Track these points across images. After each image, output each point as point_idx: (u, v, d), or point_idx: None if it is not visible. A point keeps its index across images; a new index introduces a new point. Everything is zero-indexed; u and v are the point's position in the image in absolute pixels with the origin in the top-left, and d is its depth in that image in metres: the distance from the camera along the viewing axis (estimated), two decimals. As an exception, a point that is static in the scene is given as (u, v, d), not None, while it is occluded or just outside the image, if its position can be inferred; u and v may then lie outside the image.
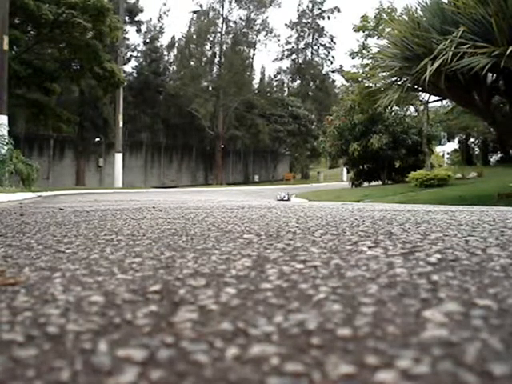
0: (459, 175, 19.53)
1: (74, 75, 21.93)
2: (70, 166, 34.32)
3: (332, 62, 58.07)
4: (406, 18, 10.86)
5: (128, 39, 40.04)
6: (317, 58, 58.30)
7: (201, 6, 47.32)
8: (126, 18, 35.89)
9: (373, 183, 23.27)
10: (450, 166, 27.82)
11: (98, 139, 35.49)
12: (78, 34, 18.50)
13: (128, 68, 40.67)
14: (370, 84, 17.04)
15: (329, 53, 58.00)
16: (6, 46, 13.34)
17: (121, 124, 29.62)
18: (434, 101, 15.09)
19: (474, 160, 34.16)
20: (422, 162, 20.71)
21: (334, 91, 57.47)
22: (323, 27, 57.64)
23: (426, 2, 10.50)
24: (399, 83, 11.23)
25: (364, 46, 20.41)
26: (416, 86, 11.27)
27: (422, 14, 10.59)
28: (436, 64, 9.52)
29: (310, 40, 57.90)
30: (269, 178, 48.31)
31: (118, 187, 28.31)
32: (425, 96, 16.41)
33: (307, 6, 57.56)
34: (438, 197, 13.64)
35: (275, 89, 55.09)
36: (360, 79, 19.38)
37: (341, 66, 55.19)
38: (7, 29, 13.63)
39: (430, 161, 21.62)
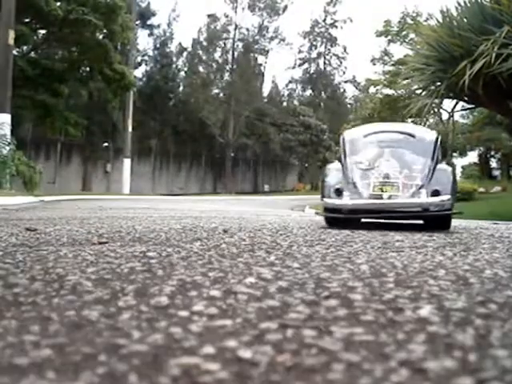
0: (482, 189, 18.64)
1: (83, 77, 21.21)
2: (76, 170, 33.61)
3: (344, 72, 57.37)
4: (440, 18, 10.03)
5: (138, 44, 39.45)
6: (329, 68, 57.60)
7: (213, 12, 46.82)
8: (138, 22, 35.30)
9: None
10: (467, 180, 26.87)
11: (105, 144, 34.79)
12: (88, 34, 17.80)
13: (138, 73, 40.05)
14: (393, 92, 16.23)
15: (341, 63, 57.27)
16: (11, 41, 12.62)
17: (130, 128, 28.87)
18: (465, 109, 14.16)
19: (494, 174, 33.12)
20: (442, 174, 19.79)
21: (346, 101, 56.81)
22: (336, 37, 56.94)
23: (464, 1, 9.66)
24: (432, 88, 10.37)
25: (386, 52, 19.59)
26: (451, 93, 10.41)
27: (459, 12, 9.75)
28: (477, 66, 8.68)
29: (323, 50, 57.20)
30: (278, 187, 47.44)
31: (126, 193, 27.56)
32: (451, 104, 15.55)
33: (320, 16, 56.96)
34: (466, 212, 12.68)
35: (286, 97, 54.41)
36: (380, 86, 18.59)
37: (353, 76, 54.54)
38: (13, 23, 12.92)
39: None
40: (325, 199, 4.91)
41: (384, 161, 4.87)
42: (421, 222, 5.12)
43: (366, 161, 4.90)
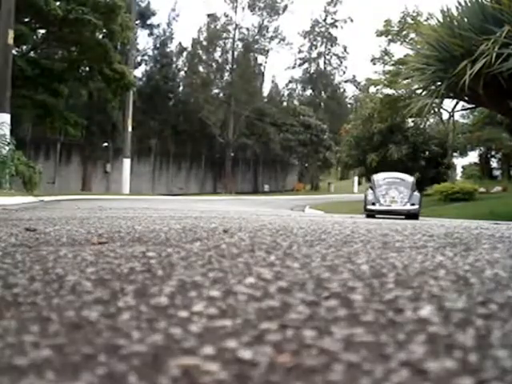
0: (483, 189, 18.63)
1: (83, 77, 21.19)
2: (76, 170, 33.60)
3: (344, 72, 57.39)
4: (440, 18, 10.03)
5: (138, 43, 39.43)
6: (329, 68, 57.62)
7: (214, 12, 46.79)
8: (138, 22, 35.28)
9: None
10: (467, 180, 26.88)
11: (105, 144, 34.77)
12: (88, 33, 17.78)
13: (138, 73, 40.02)
14: (393, 91, 16.18)
15: (341, 62, 57.30)
16: (10, 41, 12.60)
17: (130, 128, 28.84)
18: (466, 109, 14.08)
19: (494, 174, 33.06)
20: (442, 174, 19.79)
21: (346, 101, 56.83)
22: (336, 37, 56.95)
23: (465, 1, 9.65)
24: (432, 88, 10.37)
25: (386, 52, 19.53)
26: (451, 93, 10.40)
27: (460, 11, 9.74)
28: (477, 66, 8.69)
29: (323, 49, 57.20)
30: (278, 188, 47.42)
31: (125, 193, 27.55)
32: (451, 104, 15.52)
33: (320, 15, 56.96)
34: (466, 212, 12.74)
35: (286, 97, 54.43)
36: (380, 86, 18.54)
37: (354, 75, 54.56)
38: (12, 23, 12.91)
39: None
40: (367, 206, 12.04)
41: (391, 191, 11.89)
42: (403, 217, 10.84)
43: (384, 190, 11.97)
